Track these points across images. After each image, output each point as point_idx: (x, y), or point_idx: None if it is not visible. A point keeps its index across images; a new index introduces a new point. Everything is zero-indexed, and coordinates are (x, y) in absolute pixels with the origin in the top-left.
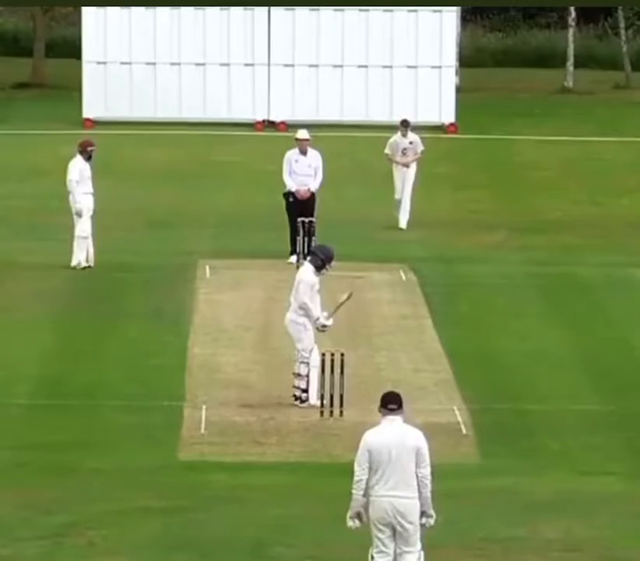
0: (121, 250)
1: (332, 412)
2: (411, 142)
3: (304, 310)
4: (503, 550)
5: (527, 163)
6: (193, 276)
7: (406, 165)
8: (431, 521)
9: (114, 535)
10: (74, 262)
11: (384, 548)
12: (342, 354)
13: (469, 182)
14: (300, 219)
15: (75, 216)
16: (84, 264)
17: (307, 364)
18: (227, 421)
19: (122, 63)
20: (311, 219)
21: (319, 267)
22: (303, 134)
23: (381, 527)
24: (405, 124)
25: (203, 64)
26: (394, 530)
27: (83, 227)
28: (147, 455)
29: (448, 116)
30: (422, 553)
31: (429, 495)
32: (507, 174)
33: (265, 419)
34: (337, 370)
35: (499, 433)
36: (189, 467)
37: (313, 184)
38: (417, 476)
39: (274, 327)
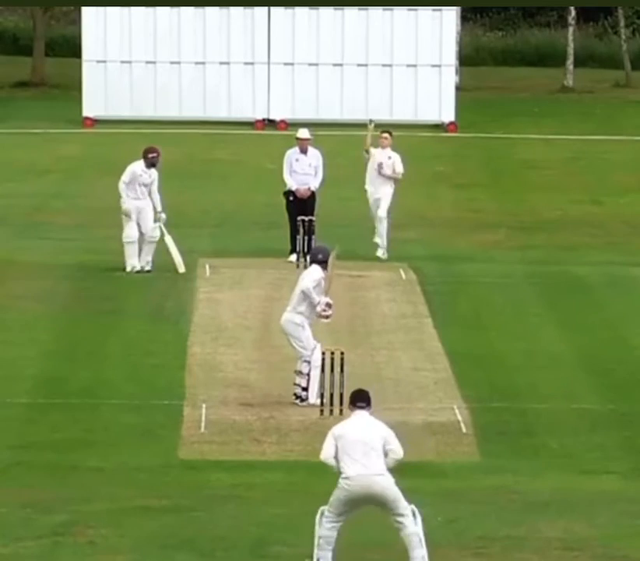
0: (121, 249)
1: (331, 411)
2: (390, 158)
3: (307, 296)
4: (502, 549)
5: (527, 162)
6: (193, 275)
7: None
8: None
9: (114, 534)
10: (128, 268)
11: (337, 518)
12: (342, 353)
13: (469, 181)
14: (299, 217)
15: (123, 218)
16: (138, 267)
17: (309, 362)
18: (227, 420)
19: (122, 62)
20: (310, 218)
21: (325, 268)
22: (304, 133)
23: (348, 501)
24: (388, 133)
25: (203, 63)
26: (358, 507)
27: (128, 233)
28: (147, 454)
29: (448, 115)
30: (415, 509)
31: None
32: (506, 173)
33: (264, 418)
34: (337, 369)
35: (499, 432)
36: (189, 466)
37: (313, 183)
38: (388, 457)
39: (274, 326)
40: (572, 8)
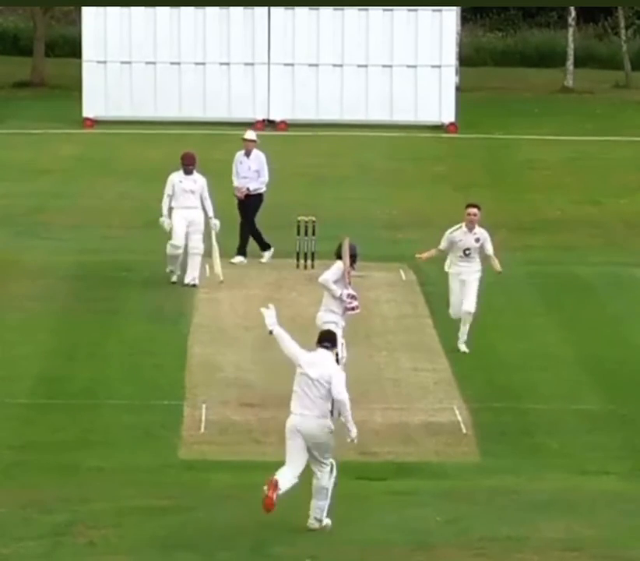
0: (120, 249)
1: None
2: (477, 240)
3: (326, 289)
4: (503, 549)
5: (527, 162)
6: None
7: (496, 268)
8: (352, 433)
9: (115, 534)
10: (168, 270)
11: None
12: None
13: (469, 182)
14: (300, 218)
15: (164, 222)
16: (176, 275)
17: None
18: (227, 421)
19: (122, 62)
20: (311, 218)
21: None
22: (249, 135)
23: (289, 435)
24: (477, 207)
25: (203, 63)
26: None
27: (174, 242)
28: (147, 454)
29: (448, 115)
30: (334, 463)
31: (348, 415)
32: (507, 174)
33: (265, 418)
34: None
35: (499, 432)
36: (189, 467)
37: (252, 184)
38: (333, 401)
39: None
40: (572, 8)
